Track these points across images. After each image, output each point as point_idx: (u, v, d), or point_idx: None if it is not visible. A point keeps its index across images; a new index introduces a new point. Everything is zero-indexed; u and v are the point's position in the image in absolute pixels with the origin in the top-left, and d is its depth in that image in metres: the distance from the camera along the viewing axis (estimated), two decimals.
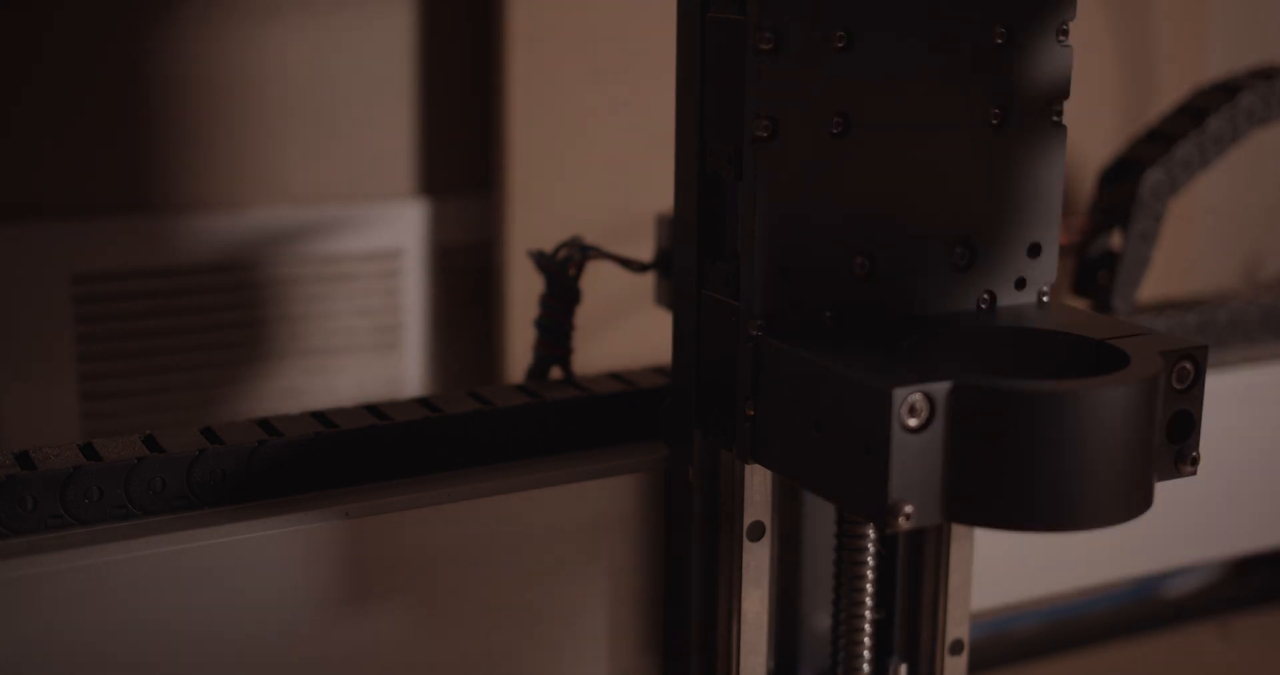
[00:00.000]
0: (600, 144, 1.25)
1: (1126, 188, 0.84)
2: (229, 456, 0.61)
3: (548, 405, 0.67)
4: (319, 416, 0.65)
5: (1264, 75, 0.87)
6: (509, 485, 0.64)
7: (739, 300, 0.57)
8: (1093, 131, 1.41)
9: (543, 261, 0.72)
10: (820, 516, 0.67)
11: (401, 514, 0.62)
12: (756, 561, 0.62)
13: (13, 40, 1.11)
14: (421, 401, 0.67)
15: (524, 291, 1.23)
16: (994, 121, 0.60)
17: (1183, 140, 0.85)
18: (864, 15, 0.56)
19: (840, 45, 0.56)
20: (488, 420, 0.66)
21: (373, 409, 0.66)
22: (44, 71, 1.12)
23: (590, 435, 0.68)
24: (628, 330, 1.21)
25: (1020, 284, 0.62)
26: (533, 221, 1.24)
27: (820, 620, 0.68)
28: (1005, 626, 1.19)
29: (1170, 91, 1.46)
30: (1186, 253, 1.52)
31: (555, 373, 0.73)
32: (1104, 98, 1.45)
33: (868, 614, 0.65)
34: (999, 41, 0.59)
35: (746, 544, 0.61)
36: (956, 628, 0.67)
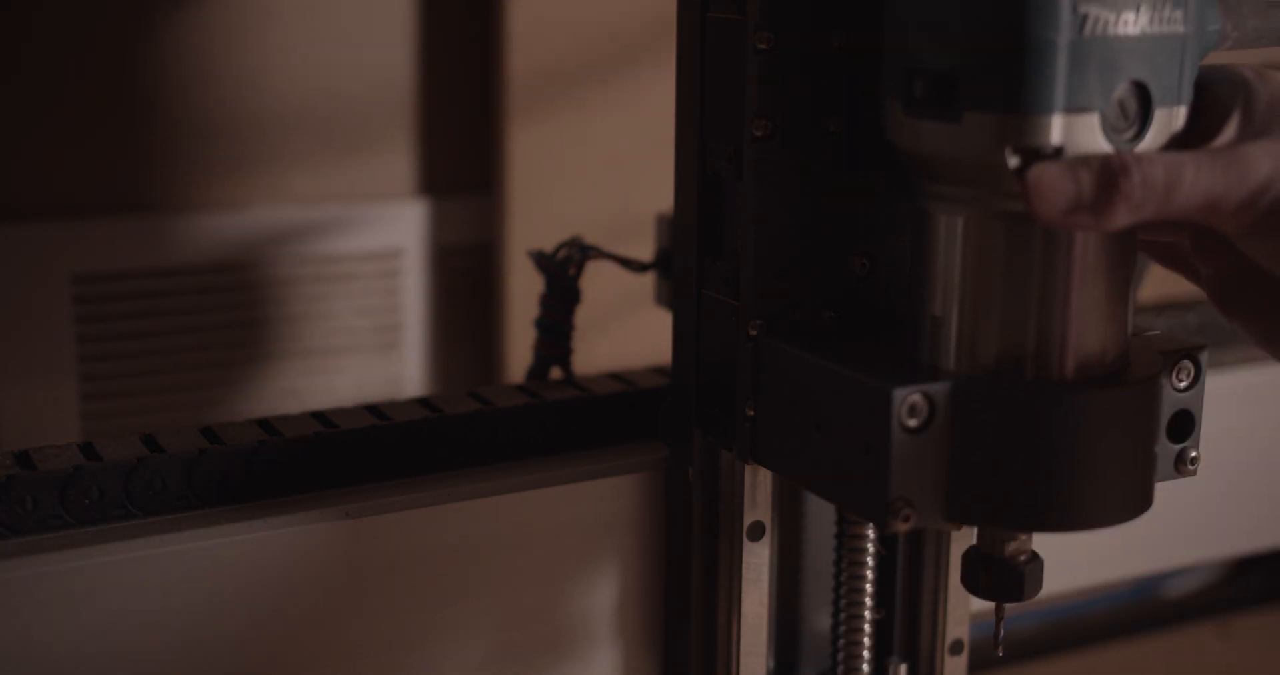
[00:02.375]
0: (600, 144, 1.25)
1: None
2: (229, 456, 0.61)
3: (548, 405, 0.67)
4: (319, 416, 0.65)
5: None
6: (509, 485, 0.64)
7: (739, 300, 0.57)
8: None
9: (543, 261, 0.72)
10: (820, 516, 0.67)
11: (401, 514, 0.62)
12: (756, 561, 0.62)
13: (12, 40, 1.11)
14: (421, 401, 0.67)
15: (524, 291, 1.23)
16: None
17: None
18: (863, 15, 0.56)
19: (839, 45, 0.56)
20: (488, 420, 0.66)
21: (373, 409, 0.66)
22: (44, 71, 1.12)
23: (590, 435, 0.68)
24: (628, 330, 1.21)
25: None
26: (533, 221, 1.24)
27: (820, 620, 0.68)
28: (1005, 626, 1.19)
29: None
30: None
31: (555, 373, 0.73)
32: None
33: (868, 614, 0.65)
34: None
35: (746, 544, 0.61)
36: (956, 628, 0.67)
